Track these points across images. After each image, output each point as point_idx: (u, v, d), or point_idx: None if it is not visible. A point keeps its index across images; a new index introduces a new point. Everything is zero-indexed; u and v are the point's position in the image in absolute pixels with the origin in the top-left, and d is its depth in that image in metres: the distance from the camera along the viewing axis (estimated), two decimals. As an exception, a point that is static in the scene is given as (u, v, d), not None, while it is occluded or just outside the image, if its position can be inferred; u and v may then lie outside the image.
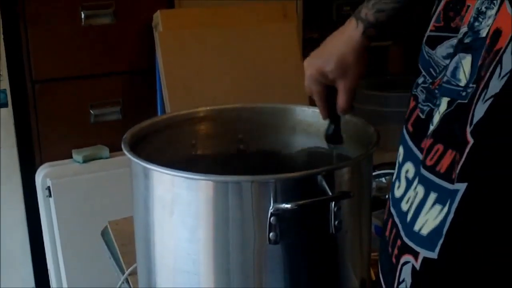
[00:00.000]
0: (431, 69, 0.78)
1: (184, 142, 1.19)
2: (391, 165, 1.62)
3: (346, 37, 1.01)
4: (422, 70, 0.80)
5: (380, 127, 1.05)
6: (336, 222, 0.90)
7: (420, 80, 0.80)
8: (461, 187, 0.67)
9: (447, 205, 0.69)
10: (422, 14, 1.01)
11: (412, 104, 0.80)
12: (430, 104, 0.77)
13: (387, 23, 1.02)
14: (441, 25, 0.80)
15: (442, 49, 0.78)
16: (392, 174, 1.56)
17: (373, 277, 1.18)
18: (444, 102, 0.73)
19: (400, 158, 0.81)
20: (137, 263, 1.07)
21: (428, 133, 0.75)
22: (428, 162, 0.72)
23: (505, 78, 0.63)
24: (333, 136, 1.09)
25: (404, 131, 0.81)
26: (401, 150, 0.81)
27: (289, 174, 0.91)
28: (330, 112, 1.06)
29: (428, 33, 0.82)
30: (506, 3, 0.67)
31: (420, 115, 0.78)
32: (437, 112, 0.74)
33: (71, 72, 2.22)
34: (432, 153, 0.72)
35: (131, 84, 2.31)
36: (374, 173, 1.57)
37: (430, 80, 0.78)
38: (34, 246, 2.26)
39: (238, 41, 2.24)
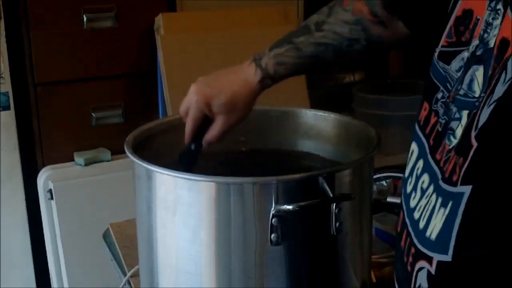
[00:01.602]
0: (447, 84, 0.79)
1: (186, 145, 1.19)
2: (392, 168, 1.63)
3: (243, 79, 1.03)
4: (440, 85, 0.81)
5: (381, 130, 1.06)
6: (337, 224, 0.90)
7: (439, 95, 0.81)
8: (466, 190, 0.67)
9: (449, 207, 0.69)
10: (417, 21, 1.02)
11: (434, 119, 0.81)
12: (446, 117, 0.78)
13: (287, 75, 1.04)
14: (453, 41, 0.81)
15: (456, 63, 0.79)
16: (393, 177, 1.58)
17: (374, 279, 1.19)
18: (464, 115, 0.74)
19: (419, 171, 0.81)
20: (139, 263, 1.08)
21: (451, 147, 0.75)
22: (446, 174, 0.73)
23: (508, 83, 0.64)
24: (187, 159, 1.06)
25: (426, 145, 0.81)
26: (420, 163, 0.82)
27: (290, 175, 0.91)
28: (195, 137, 1.05)
29: (440, 48, 0.83)
30: (509, 12, 0.68)
31: (439, 128, 0.79)
32: (460, 125, 0.74)
33: (73, 75, 2.23)
34: (451, 165, 0.73)
35: (133, 87, 2.32)
36: (374, 176, 1.58)
37: (447, 94, 0.79)
38: (36, 248, 2.27)
39: (239, 44, 2.24)
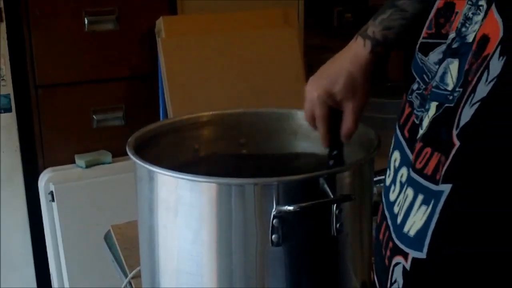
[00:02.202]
0: (424, 76, 0.80)
1: (187, 147, 1.20)
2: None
3: (353, 56, 0.98)
4: (416, 76, 0.82)
5: (380, 133, 1.06)
6: (338, 225, 0.91)
7: (415, 86, 0.82)
8: (446, 188, 0.68)
9: (431, 205, 0.70)
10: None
11: (408, 110, 0.81)
12: (423, 110, 0.79)
13: (396, 39, 0.99)
14: (432, 32, 0.81)
15: (434, 56, 0.79)
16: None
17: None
18: (433, 106, 0.74)
19: (397, 163, 0.82)
20: (140, 264, 1.08)
21: (418, 137, 0.76)
22: (418, 165, 0.74)
23: (492, 83, 0.65)
24: (336, 165, 1.01)
25: (400, 136, 0.82)
26: (397, 155, 0.83)
27: (291, 176, 0.92)
28: (332, 138, 1.01)
29: (420, 40, 0.84)
30: (493, 9, 0.69)
31: (415, 121, 0.80)
32: (426, 116, 0.75)
33: (74, 77, 2.24)
34: (421, 157, 0.74)
35: (134, 89, 2.33)
36: (375, 179, 1.58)
37: (424, 86, 0.79)
38: (36, 250, 2.28)
39: (240, 47, 2.25)
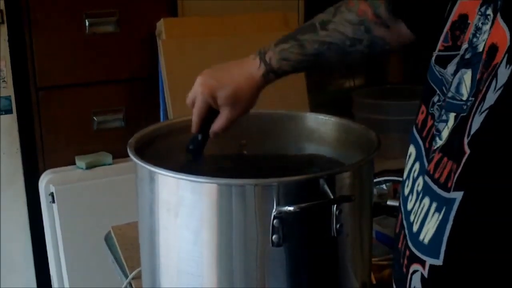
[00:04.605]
0: (443, 88, 0.80)
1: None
2: (392, 172, 1.64)
3: (247, 73, 1.04)
4: (436, 89, 0.82)
5: (380, 135, 1.07)
6: (338, 226, 0.91)
7: (436, 99, 0.82)
8: (458, 195, 0.68)
9: (442, 212, 0.70)
10: (421, 24, 1.03)
11: (430, 122, 0.82)
12: (439, 120, 0.80)
13: (291, 71, 1.05)
14: (449, 45, 0.82)
15: (451, 67, 0.80)
16: (392, 181, 1.58)
17: (374, 281, 1.19)
18: (451, 117, 0.75)
19: (416, 173, 0.82)
20: (141, 265, 1.09)
21: (436, 147, 0.77)
22: (436, 175, 0.74)
23: (500, 91, 0.66)
24: (195, 150, 1.10)
25: (423, 148, 0.83)
26: (417, 166, 0.83)
27: (291, 177, 0.92)
28: (201, 127, 1.08)
29: (436, 52, 0.84)
30: (499, 18, 0.69)
31: (435, 132, 0.81)
32: (446, 127, 0.76)
33: (75, 79, 2.24)
34: (440, 167, 0.74)
35: (134, 91, 2.33)
36: (375, 180, 1.59)
37: (443, 98, 0.80)
38: (37, 252, 2.28)
39: (240, 49, 2.24)
